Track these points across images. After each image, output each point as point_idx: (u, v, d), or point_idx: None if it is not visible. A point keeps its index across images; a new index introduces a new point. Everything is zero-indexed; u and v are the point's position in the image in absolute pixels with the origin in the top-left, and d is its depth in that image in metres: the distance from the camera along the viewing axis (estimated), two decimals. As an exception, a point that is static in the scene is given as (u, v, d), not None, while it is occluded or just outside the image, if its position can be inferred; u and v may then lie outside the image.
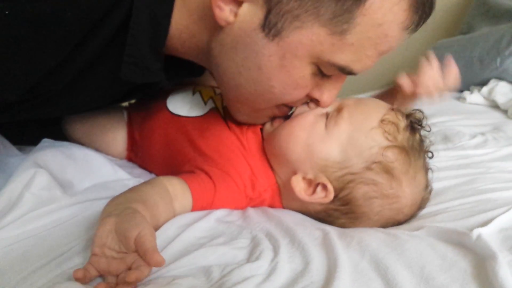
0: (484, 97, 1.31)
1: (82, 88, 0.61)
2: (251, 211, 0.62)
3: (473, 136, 0.98)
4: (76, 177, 0.65)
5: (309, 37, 0.51)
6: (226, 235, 0.52)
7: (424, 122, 0.62)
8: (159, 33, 0.56)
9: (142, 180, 0.64)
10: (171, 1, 0.55)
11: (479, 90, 1.34)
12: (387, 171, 0.57)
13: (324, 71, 0.55)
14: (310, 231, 0.54)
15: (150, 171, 0.78)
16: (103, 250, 0.43)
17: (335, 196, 0.58)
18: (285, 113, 0.65)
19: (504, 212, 0.56)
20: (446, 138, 0.97)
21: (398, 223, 0.59)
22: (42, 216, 0.54)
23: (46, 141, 0.70)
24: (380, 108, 0.61)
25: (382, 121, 0.58)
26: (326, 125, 0.61)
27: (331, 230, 0.54)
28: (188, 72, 0.70)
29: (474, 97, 1.33)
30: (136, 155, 0.81)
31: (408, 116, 0.60)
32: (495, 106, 1.27)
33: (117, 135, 0.81)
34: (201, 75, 0.75)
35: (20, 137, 0.75)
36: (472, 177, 0.73)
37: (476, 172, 0.76)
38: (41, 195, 0.57)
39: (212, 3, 0.52)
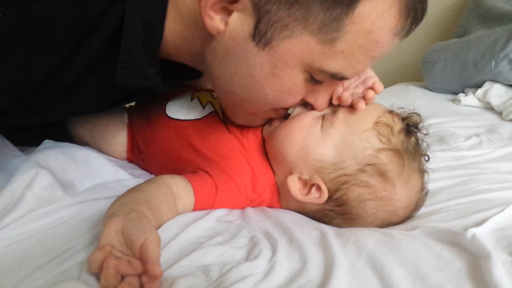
0: (479, 99, 1.32)
1: (80, 93, 0.61)
2: (250, 211, 0.62)
3: (468, 138, 0.99)
4: (77, 177, 0.65)
5: (299, 46, 0.51)
6: (225, 234, 0.53)
7: (420, 125, 0.62)
8: (153, 38, 0.55)
9: (142, 181, 0.63)
10: (163, 6, 0.54)
11: (474, 92, 1.35)
12: (381, 173, 0.57)
13: (316, 77, 0.55)
14: (307, 231, 0.54)
15: (151, 173, 0.78)
16: (110, 249, 0.43)
17: (330, 197, 0.58)
18: (282, 115, 0.66)
19: (498, 212, 0.56)
20: (441, 140, 0.98)
21: (393, 224, 0.60)
22: (43, 216, 0.54)
23: (47, 142, 0.70)
24: (376, 110, 0.60)
25: (376, 123, 0.58)
26: (322, 127, 0.61)
27: (329, 230, 0.55)
28: (186, 75, 0.70)
29: (469, 99, 1.33)
30: (137, 156, 0.81)
31: (404, 119, 0.60)
32: (489, 108, 1.28)
33: (118, 136, 0.81)
34: (199, 77, 0.74)
35: (22, 138, 0.75)
36: (467, 177, 0.74)
37: (471, 173, 0.77)
38: (42, 195, 0.57)
39: (202, 12, 0.51)
